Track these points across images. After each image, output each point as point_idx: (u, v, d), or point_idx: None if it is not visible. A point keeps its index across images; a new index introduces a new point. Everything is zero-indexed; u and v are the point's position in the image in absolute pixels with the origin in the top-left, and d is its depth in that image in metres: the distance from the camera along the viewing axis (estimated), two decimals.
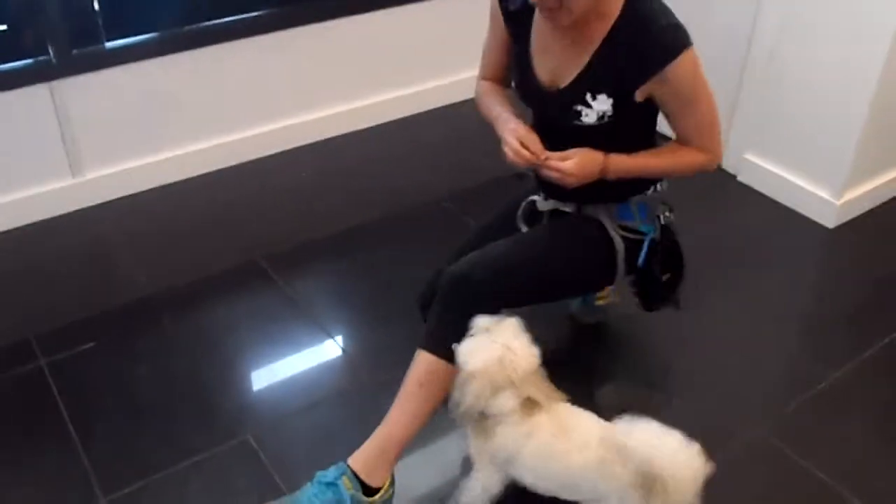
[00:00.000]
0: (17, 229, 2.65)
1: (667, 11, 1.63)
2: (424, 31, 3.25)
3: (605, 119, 1.68)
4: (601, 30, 1.63)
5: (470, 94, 2.00)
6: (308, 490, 1.63)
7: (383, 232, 2.70)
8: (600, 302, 2.29)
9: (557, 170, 1.65)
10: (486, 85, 1.94)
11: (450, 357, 1.59)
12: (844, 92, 2.57)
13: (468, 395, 1.48)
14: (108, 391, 2.08)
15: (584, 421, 1.56)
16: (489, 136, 1.83)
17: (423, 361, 1.69)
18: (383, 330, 2.28)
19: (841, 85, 2.58)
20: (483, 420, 1.54)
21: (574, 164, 1.65)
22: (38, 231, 2.67)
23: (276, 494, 1.73)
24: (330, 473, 1.64)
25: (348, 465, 1.65)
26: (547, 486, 1.57)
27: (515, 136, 1.68)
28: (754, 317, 2.37)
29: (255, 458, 1.89)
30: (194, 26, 2.77)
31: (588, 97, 1.67)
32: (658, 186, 1.87)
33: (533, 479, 1.57)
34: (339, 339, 2.27)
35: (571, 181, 1.66)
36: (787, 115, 2.77)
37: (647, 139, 1.81)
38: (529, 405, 1.51)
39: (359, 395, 2.08)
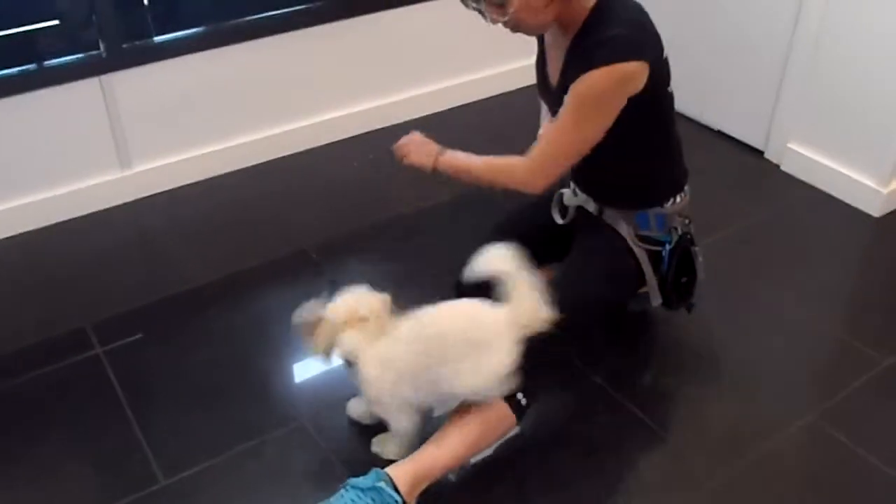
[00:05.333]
0: (69, 221, 2.70)
1: (624, 20, 1.69)
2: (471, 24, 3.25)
3: None
4: (573, 32, 1.76)
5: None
6: (345, 495, 1.61)
7: (430, 223, 2.72)
8: (644, 289, 2.29)
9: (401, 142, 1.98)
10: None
11: (518, 411, 1.75)
12: (890, 80, 2.55)
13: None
14: (163, 378, 2.12)
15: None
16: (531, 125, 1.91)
17: (495, 404, 1.74)
18: None
19: (886, 73, 2.56)
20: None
21: (409, 137, 1.99)
22: (88, 223, 2.71)
23: (335, 477, 1.75)
24: (368, 479, 1.63)
25: (389, 475, 1.64)
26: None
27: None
28: (801, 306, 2.36)
29: (311, 443, 1.92)
30: (241, 20, 2.81)
31: (566, 94, 1.77)
32: (677, 199, 1.96)
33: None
34: None
35: (405, 150, 1.97)
36: (832, 104, 2.76)
37: (646, 138, 1.85)
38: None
39: None
